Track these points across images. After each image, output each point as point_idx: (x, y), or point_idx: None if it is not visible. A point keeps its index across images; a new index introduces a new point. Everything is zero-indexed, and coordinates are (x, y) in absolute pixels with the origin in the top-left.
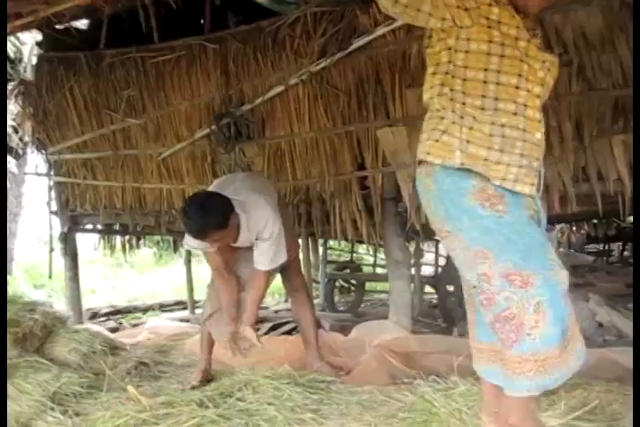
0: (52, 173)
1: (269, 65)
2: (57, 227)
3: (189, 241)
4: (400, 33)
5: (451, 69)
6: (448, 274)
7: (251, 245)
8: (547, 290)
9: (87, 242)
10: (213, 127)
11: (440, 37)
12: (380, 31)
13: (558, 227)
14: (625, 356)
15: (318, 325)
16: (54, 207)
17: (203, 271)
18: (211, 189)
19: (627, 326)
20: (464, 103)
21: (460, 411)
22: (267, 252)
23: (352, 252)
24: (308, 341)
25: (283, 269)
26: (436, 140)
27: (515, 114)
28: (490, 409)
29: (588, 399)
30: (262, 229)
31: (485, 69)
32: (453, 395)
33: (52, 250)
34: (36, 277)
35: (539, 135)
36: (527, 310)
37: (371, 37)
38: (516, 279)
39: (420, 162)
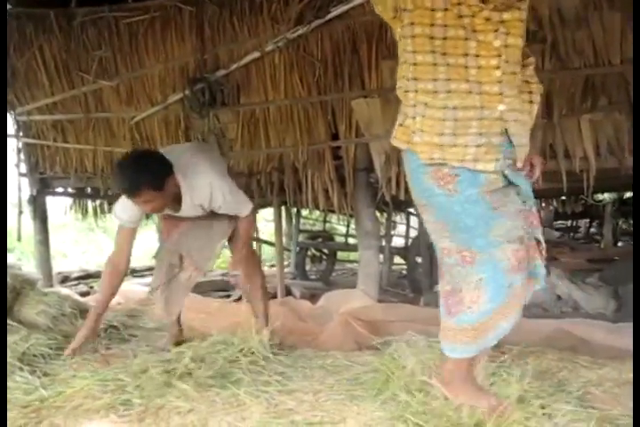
0: (21, 134)
1: (246, 30)
2: (26, 189)
3: (120, 212)
4: None
5: (405, 57)
6: (417, 246)
7: (197, 215)
8: (488, 267)
9: (58, 206)
10: (187, 92)
11: (394, 26)
12: (359, 0)
13: None
14: (579, 327)
15: (275, 294)
16: (23, 169)
17: None
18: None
19: (583, 299)
20: (416, 91)
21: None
22: (230, 206)
23: (325, 221)
24: (255, 311)
25: (231, 239)
26: (400, 124)
27: (469, 92)
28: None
29: (540, 366)
30: (209, 196)
31: (432, 52)
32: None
33: (20, 213)
34: None
35: (501, 107)
36: (469, 286)
37: (349, 6)
38: (467, 256)
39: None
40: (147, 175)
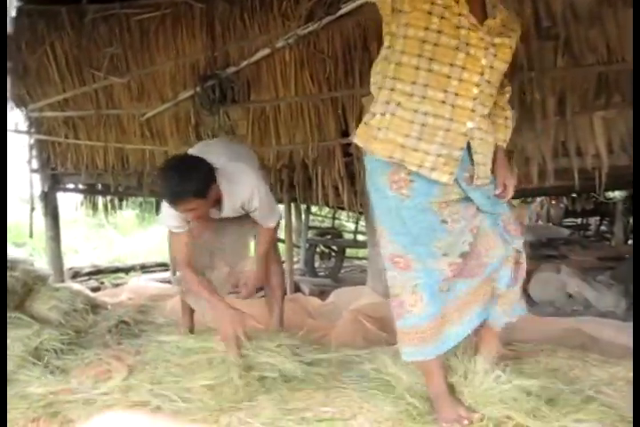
0: (33, 130)
1: (256, 27)
2: (38, 186)
3: (168, 219)
4: None
5: (389, 55)
6: None
7: (234, 215)
8: (424, 274)
9: (69, 202)
10: (198, 89)
11: (387, 22)
12: None
13: (538, 200)
14: (590, 325)
15: (286, 291)
16: (35, 166)
17: None
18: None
19: (594, 298)
20: (393, 89)
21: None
22: (263, 212)
23: (334, 218)
24: (272, 309)
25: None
26: (365, 123)
27: (442, 102)
28: None
29: (551, 364)
30: (249, 199)
31: (419, 55)
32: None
33: (32, 209)
34: (16, 235)
35: (470, 124)
36: (407, 290)
37: (359, 2)
38: (400, 262)
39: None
40: (192, 184)
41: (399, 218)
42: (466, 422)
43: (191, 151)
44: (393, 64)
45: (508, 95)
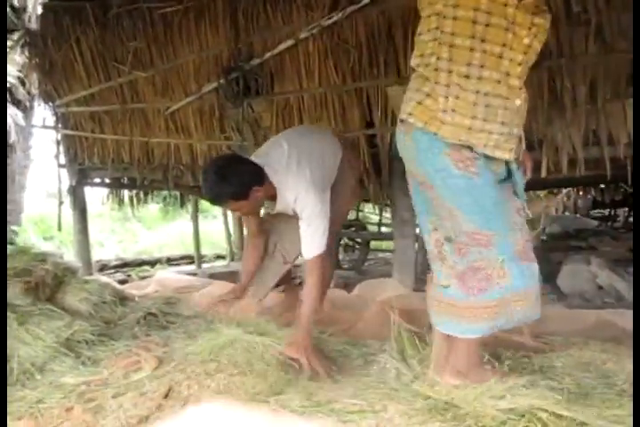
0: (60, 125)
1: (279, 18)
2: (65, 180)
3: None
4: None
5: (439, 36)
6: None
7: (291, 213)
8: (504, 250)
9: (95, 196)
10: (222, 81)
11: (430, 1)
12: None
13: (565, 191)
14: (622, 318)
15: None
16: (62, 160)
17: (209, 226)
18: (261, 151)
19: (626, 290)
20: (450, 71)
21: None
22: (305, 235)
23: (358, 210)
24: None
25: None
26: (419, 103)
27: (498, 82)
28: (440, 361)
29: (583, 358)
30: (294, 204)
31: (472, 37)
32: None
33: (61, 203)
34: (44, 229)
35: (518, 102)
36: (494, 265)
37: None
38: (481, 239)
39: (402, 120)
40: (227, 188)
41: (471, 196)
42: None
43: (271, 139)
44: (446, 46)
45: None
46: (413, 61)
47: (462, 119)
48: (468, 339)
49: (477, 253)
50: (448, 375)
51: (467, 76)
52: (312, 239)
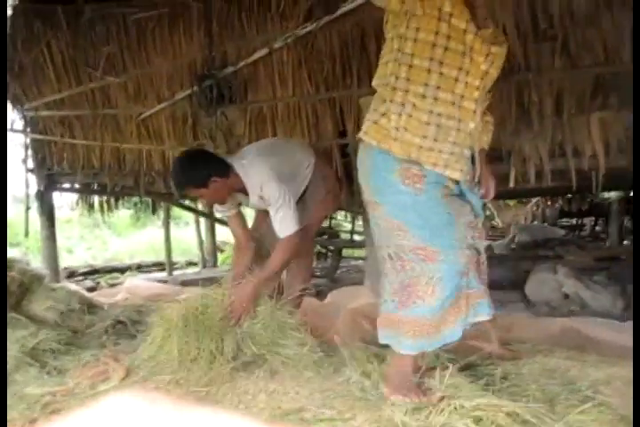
0: (28, 129)
1: (254, 27)
2: (33, 185)
3: (215, 206)
4: None
5: (399, 57)
6: None
7: (263, 206)
8: (444, 267)
9: (64, 200)
10: (195, 89)
11: (394, 24)
12: None
13: (534, 200)
14: (586, 326)
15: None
16: (30, 165)
17: (181, 233)
18: (240, 151)
19: (590, 298)
20: (407, 91)
21: None
22: (275, 218)
23: (330, 218)
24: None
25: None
26: (375, 122)
27: (452, 104)
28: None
29: (548, 365)
30: (261, 193)
31: (431, 59)
32: None
33: (28, 208)
34: (11, 235)
35: (472, 125)
36: (422, 281)
37: (358, 2)
38: (421, 253)
39: (359, 139)
40: (188, 175)
41: (415, 212)
42: (415, 398)
43: (248, 146)
44: (405, 66)
45: (489, 102)
46: (374, 82)
47: (412, 137)
48: (403, 355)
49: (419, 268)
50: (387, 390)
51: (423, 96)
52: (283, 221)
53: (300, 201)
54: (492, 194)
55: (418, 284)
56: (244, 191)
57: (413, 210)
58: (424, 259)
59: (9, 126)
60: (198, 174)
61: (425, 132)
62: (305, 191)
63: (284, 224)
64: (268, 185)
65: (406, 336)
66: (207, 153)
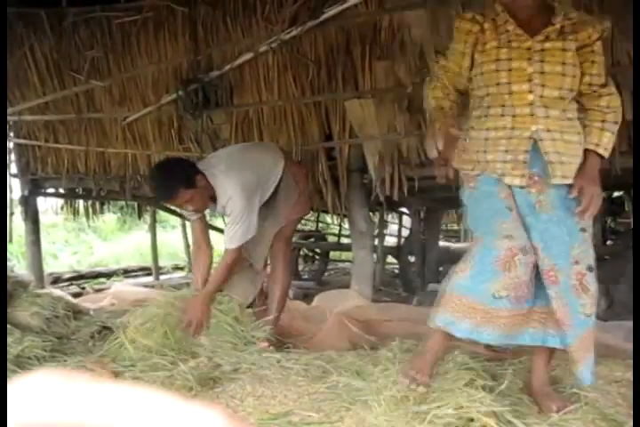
0: (12, 134)
1: (239, 31)
2: (17, 190)
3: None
4: (372, 4)
5: (473, 93)
6: (410, 245)
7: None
8: (479, 250)
9: (49, 205)
10: (181, 93)
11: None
12: (353, 1)
13: None
14: None
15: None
16: (14, 170)
17: (167, 237)
18: (206, 159)
19: None
20: (468, 117)
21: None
22: (228, 228)
23: (317, 221)
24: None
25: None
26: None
27: (502, 115)
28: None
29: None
30: (225, 205)
31: (486, 86)
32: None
33: (11, 213)
34: None
35: (534, 127)
36: (465, 259)
37: (343, 7)
38: (473, 240)
39: None
40: (160, 188)
41: (470, 206)
42: (414, 385)
43: (213, 154)
44: (475, 98)
45: (606, 98)
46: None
47: (470, 155)
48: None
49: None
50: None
51: (478, 117)
52: (234, 235)
53: (273, 204)
54: (590, 212)
55: (461, 262)
56: (213, 198)
57: (469, 204)
58: (473, 244)
59: None
60: (169, 188)
61: (477, 147)
62: (276, 193)
63: (234, 238)
64: (234, 201)
65: (450, 312)
66: (180, 163)
